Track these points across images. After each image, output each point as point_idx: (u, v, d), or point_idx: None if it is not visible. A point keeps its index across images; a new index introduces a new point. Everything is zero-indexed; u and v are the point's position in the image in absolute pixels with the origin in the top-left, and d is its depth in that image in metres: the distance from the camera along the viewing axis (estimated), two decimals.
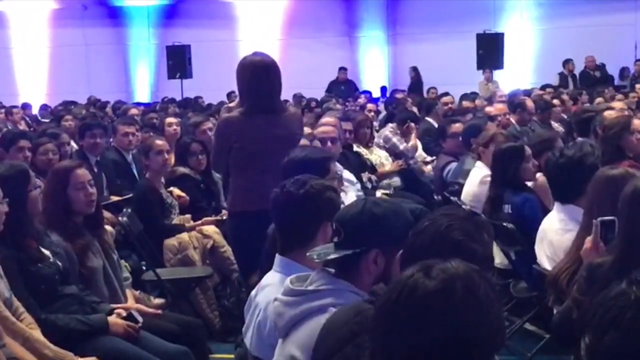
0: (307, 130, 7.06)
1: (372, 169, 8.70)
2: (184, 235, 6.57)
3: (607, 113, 7.30)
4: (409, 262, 2.33)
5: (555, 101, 11.93)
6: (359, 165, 8.25)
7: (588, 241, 3.59)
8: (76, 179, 4.83)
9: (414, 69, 20.37)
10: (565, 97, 13.10)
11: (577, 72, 19.13)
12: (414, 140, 9.85)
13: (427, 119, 11.28)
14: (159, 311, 4.89)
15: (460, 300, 1.94)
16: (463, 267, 2.03)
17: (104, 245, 5.00)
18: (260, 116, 5.28)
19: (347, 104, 15.95)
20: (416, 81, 20.16)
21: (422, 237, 2.56)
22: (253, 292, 3.44)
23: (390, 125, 10.25)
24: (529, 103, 10.36)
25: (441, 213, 2.65)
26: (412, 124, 9.96)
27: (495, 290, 2.05)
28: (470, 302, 1.95)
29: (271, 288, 3.26)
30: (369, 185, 8.07)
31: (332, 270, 2.95)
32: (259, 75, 5.27)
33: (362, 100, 16.17)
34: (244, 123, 5.29)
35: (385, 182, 8.76)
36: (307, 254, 3.04)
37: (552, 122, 10.76)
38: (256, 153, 5.27)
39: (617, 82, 18.75)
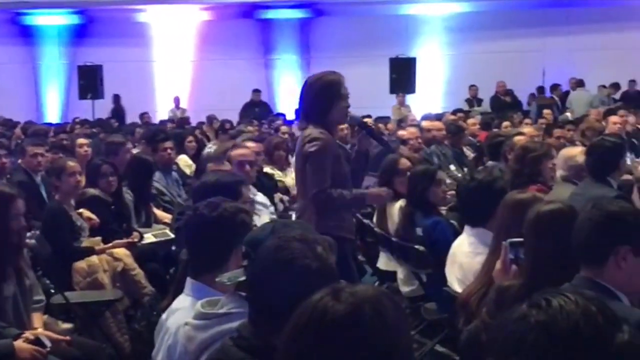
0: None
1: (286, 191, 8.70)
2: (94, 258, 6.45)
3: (516, 138, 7.45)
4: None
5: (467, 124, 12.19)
6: (272, 188, 8.24)
7: (500, 263, 3.64)
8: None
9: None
10: (472, 121, 13.33)
11: (486, 96, 19.48)
12: None
13: None
14: (68, 337, 4.77)
15: (369, 324, 1.95)
16: (372, 290, 2.04)
17: (19, 270, 4.88)
18: None
19: (262, 126, 15.90)
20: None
21: (259, 261, 2.60)
22: (164, 316, 3.39)
23: None
24: None
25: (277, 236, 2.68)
26: None
27: (403, 313, 2.07)
28: (379, 325, 1.96)
29: (182, 312, 3.22)
30: (281, 207, 8.06)
31: (244, 294, 2.93)
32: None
33: (279, 122, 16.11)
34: None
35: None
36: (217, 279, 3.01)
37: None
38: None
39: (525, 107, 19.14)
